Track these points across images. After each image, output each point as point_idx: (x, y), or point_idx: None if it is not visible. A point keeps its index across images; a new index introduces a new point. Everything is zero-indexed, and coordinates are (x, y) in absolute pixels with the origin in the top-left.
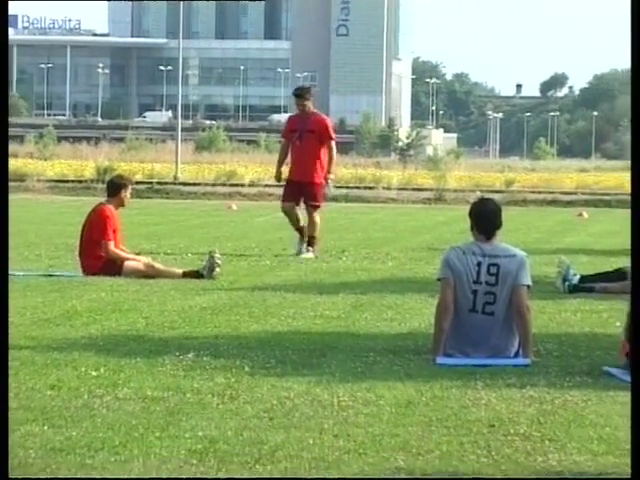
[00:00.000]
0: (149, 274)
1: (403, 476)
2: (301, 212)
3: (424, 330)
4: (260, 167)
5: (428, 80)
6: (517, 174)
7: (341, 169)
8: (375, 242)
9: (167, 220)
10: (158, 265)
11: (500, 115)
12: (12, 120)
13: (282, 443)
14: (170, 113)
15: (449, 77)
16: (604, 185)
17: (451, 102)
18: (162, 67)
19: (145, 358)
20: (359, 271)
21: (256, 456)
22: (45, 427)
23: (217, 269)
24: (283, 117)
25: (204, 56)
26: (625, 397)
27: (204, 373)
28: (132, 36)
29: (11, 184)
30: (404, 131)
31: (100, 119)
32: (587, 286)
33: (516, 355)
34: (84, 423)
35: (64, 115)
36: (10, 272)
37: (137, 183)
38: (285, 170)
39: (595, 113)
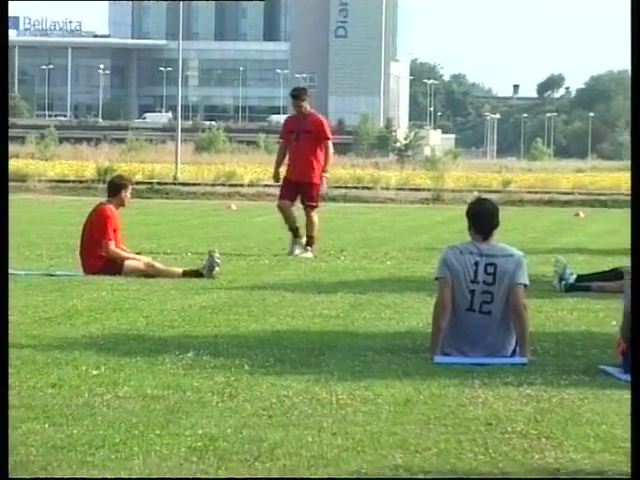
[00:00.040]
0: (149, 273)
1: (401, 473)
2: (297, 212)
3: (422, 329)
4: (259, 167)
5: (426, 81)
6: (514, 174)
7: (339, 169)
8: (373, 242)
9: (167, 220)
10: (158, 264)
11: (497, 116)
12: (13, 121)
13: (281, 441)
14: (170, 114)
15: (447, 78)
16: (600, 185)
17: (449, 103)
18: (162, 68)
19: (145, 357)
20: (357, 270)
21: (255, 454)
22: (46, 425)
23: (217, 268)
24: (282, 118)
25: (204, 57)
26: (621, 395)
27: (204, 372)
28: (132, 37)
29: (12, 184)
30: (402, 132)
31: (101, 120)
32: (583, 285)
33: (513, 354)
34: (85, 421)
35: (65, 116)
36: (12, 271)
37: (137, 183)
38: (283, 170)
39: (591, 114)
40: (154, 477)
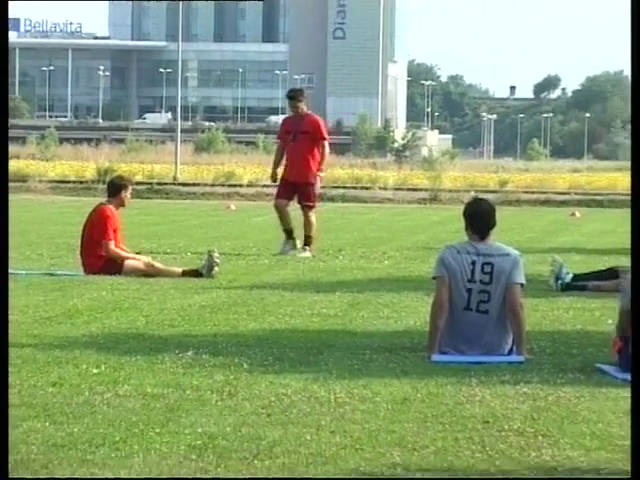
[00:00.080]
0: (149, 273)
1: (399, 471)
2: (295, 212)
3: (419, 328)
4: (258, 168)
5: (423, 82)
6: (511, 174)
7: (338, 170)
8: (371, 241)
9: (167, 220)
10: (158, 264)
11: (494, 116)
12: (14, 122)
13: (280, 439)
14: (170, 115)
15: (444, 79)
16: (596, 185)
17: (446, 104)
18: (162, 69)
19: (145, 356)
20: (355, 270)
21: (254, 452)
22: (47, 423)
23: (216, 268)
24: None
25: (203, 59)
26: (617, 393)
27: (203, 370)
28: (132, 39)
29: (13, 185)
30: (400, 132)
31: (101, 121)
32: (580, 284)
33: (510, 352)
34: (85, 419)
35: (65, 117)
36: (12, 271)
37: (137, 184)
38: (281, 171)
39: (587, 114)
40: (154, 476)
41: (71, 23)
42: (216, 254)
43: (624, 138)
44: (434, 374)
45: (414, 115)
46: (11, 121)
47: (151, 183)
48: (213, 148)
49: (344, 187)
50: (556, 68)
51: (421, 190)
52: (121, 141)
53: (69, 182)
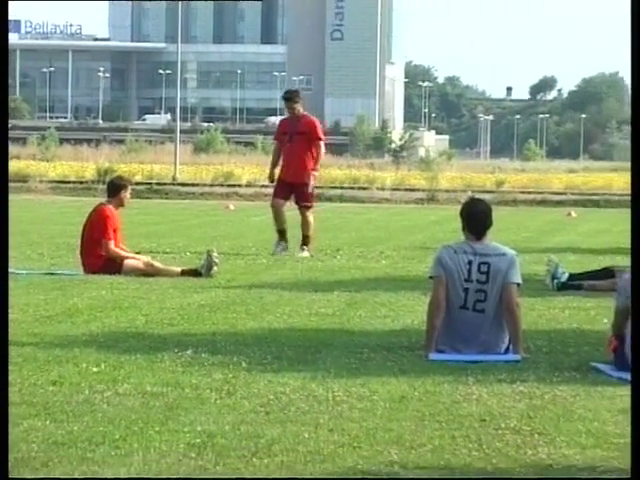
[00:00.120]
0: (148, 272)
1: (396, 469)
2: (291, 212)
3: (417, 327)
4: (257, 168)
5: (420, 83)
6: (507, 175)
7: (336, 170)
8: (369, 241)
9: (166, 220)
10: (157, 264)
11: (491, 117)
12: (15, 123)
13: (278, 437)
14: (169, 116)
15: (441, 80)
16: (592, 185)
17: (443, 105)
18: (161, 71)
19: (144, 354)
20: (353, 270)
21: (253, 450)
22: (47, 422)
23: (215, 267)
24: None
25: (202, 60)
26: (613, 392)
27: (202, 369)
28: (132, 41)
29: (14, 185)
30: (397, 133)
31: (101, 121)
32: (575, 284)
33: (506, 351)
34: (85, 418)
35: (66, 118)
36: (13, 270)
37: (137, 184)
38: (277, 171)
39: (583, 115)
40: (153, 474)
41: (71, 25)
42: (215, 254)
43: (619, 139)
44: (431, 373)
45: (411, 116)
46: (12, 122)
47: (150, 183)
48: (212, 149)
49: (342, 187)
50: (552, 69)
51: (418, 190)
52: (121, 142)
53: (69, 182)
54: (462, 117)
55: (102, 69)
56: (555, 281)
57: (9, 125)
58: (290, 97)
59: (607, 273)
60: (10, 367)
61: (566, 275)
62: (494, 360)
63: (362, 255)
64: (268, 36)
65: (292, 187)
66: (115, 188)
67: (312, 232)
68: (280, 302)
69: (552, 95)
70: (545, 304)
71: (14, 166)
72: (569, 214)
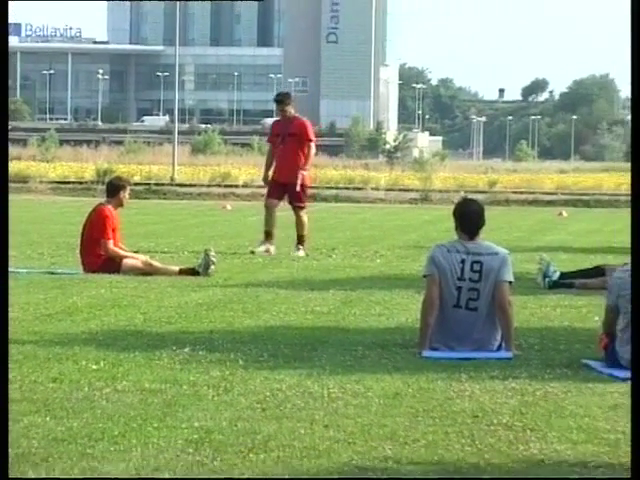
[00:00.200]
0: (147, 271)
1: (390, 464)
2: (286, 212)
3: (411, 325)
4: (253, 169)
5: (414, 85)
6: (500, 175)
7: (331, 171)
8: (364, 240)
9: (164, 220)
10: (155, 263)
11: (483, 119)
12: (15, 124)
13: (274, 433)
14: (167, 117)
15: (434, 82)
16: (583, 185)
17: (436, 106)
18: (159, 73)
19: (143, 352)
20: (348, 268)
21: (249, 445)
22: (47, 418)
23: (212, 267)
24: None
25: (199, 62)
26: (603, 388)
27: (200, 366)
28: (130, 43)
29: (14, 185)
30: (391, 134)
31: (100, 123)
32: (567, 282)
33: (499, 349)
34: (84, 414)
35: (65, 119)
36: (14, 269)
37: (135, 184)
38: (271, 173)
39: (574, 117)
40: (152, 469)
41: (71, 28)
42: (212, 253)
43: (610, 140)
44: (425, 370)
45: (405, 117)
46: (12, 123)
47: (149, 184)
48: (209, 150)
49: (337, 188)
50: (544, 71)
51: (412, 190)
52: (120, 143)
53: (69, 183)
54: (455, 118)
55: (101, 71)
56: (547, 279)
57: (9, 127)
58: (281, 100)
59: (598, 271)
60: (11, 365)
61: (557, 274)
62: (487, 357)
63: (357, 254)
64: (264, 39)
65: (285, 187)
66: (114, 188)
67: (307, 231)
68: (276, 300)
69: (544, 97)
70: (537, 302)
71: (15, 167)
72: (560, 214)
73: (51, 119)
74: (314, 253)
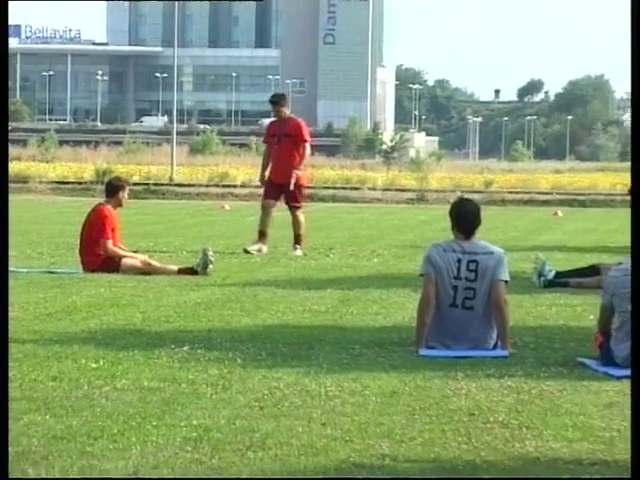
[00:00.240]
0: (146, 271)
1: (387, 462)
2: (283, 212)
3: (407, 324)
4: (251, 169)
5: (411, 86)
6: (495, 175)
7: (328, 171)
8: (361, 240)
9: (163, 219)
10: (154, 262)
11: (479, 119)
12: (15, 125)
13: (272, 431)
14: (166, 118)
15: (431, 83)
16: (578, 185)
17: (433, 107)
18: (158, 74)
19: (142, 351)
20: (345, 268)
21: (248, 443)
22: (47, 416)
23: (210, 266)
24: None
25: (198, 64)
26: (598, 387)
27: (198, 365)
28: (129, 45)
29: (14, 185)
30: (388, 134)
31: (99, 124)
32: (562, 281)
33: (495, 347)
34: (84, 412)
35: (65, 120)
36: (14, 269)
37: (134, 184)
38: (267, 174)
39: (569, 117)
40: (150, 467)
41: (70, 30)
42: (211, 252)
43: (605, 140)
44: (421, 368)
45: (402, 118)
46: (12, 124)
47: (148, 184)
48: (208, 150)
49: (334, 187)
50: (539, 72)
51: (409, 190)
52: (119, 143)
53: (68, 183)
54: (451, 119)
55: (100, 72)
56: (542, 279)
57: (9, 127)
58: (276, 101)
59: (593, 271)
60: (11, 363)
61: (553, 273)
62: (483, 356)
63: (354, 253)
64: (262, 40)
65: (281, 188)
66: (113, 189)
67: (303, 231)
68: (274, 299)
69: (539, 97)
70: (532, 301)
71: (15, 167)
72: (555, 213)
73: (51, 120)
74: (312, 252)
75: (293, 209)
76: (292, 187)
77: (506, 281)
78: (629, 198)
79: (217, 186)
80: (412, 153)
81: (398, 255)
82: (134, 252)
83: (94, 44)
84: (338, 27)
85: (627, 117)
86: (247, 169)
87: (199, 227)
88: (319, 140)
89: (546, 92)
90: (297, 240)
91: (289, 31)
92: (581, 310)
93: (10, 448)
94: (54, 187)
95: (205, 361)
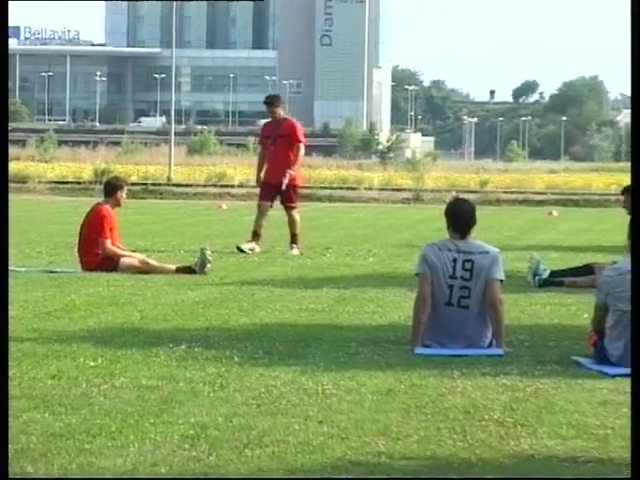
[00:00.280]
0: (144, 270)
1: (383, 459)
2: (279, 212)
3: (403, 322)
4: (249, 169)
5: (407, 87)
6: (491, 175)
7: (325, 171)
8: (357, 239)
9: (161, 219)
10: (152, 261)
11: (475, 120)
12: (15, 125)
13: (269, 429)
14: (164, 118)
15: (427, 84)
16: (573, 185)
17: (429, 107)
18: (156, 75)
19: (140, 349)
20: (342, 267)
21: (245, 441)
22: (46, 414)
23: (208, 265)
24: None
25: (196, 65)
26: (593, 385)
27: (196, 363)
28: (128, 46)
29: (13, 185)
30: (384, 135)
31: (98, 124)
32: (556, 280)
33: (490, 346)
34: (83, 410)
35: (64, 120)
36: (13, 268)
37: (132, 184)
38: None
39: (564, 118)
40: (149, 464)
41: (69, 31)
42: (208, 252)
43: (599, 140)
44: (417, 366)
45: (398, 118)
46: (11, 124)
47: (146, 184)
48: (205, 150)
49: (331, 187)
50: (534, 73)
51: (405, 190)
52: (117, 144)
53: (67, 183)
54: (447, 119)
55: (99, 73)
56: (537, 278)
57: (9, 127)
58: (271, 102)
59: (587, 270)
60: (10, 362)
61: (547, 272)
62: (478, 354)
63: (350, 253)
64: (259, 41)
65: (277, 188)
66: (112, 188)
67: (299, 230)
68: (271, 298)
69: (534, 98)
70: (527, 300)
71: (14, 167)
72: (550, 213)
73: (50, 120)
74: (308, 252)
75: (288, 209)
76: (284, 187)
77: (501, 280)
78: (622, 198)
79: (215, 186)
80: (408, 153)
81: (394, 254)
82: (132, 251)
83: (93, 45)
84: (335, 28)
85: (621, 118)
86: (244, 169)
87: (197, 227)
88: (316, 140)
89: (541, 93)
90: (293, 240)
91: (286, 32)
92: (575, 309)
93: (10, 446)
94: (53, 187)
95: (203, 359)
